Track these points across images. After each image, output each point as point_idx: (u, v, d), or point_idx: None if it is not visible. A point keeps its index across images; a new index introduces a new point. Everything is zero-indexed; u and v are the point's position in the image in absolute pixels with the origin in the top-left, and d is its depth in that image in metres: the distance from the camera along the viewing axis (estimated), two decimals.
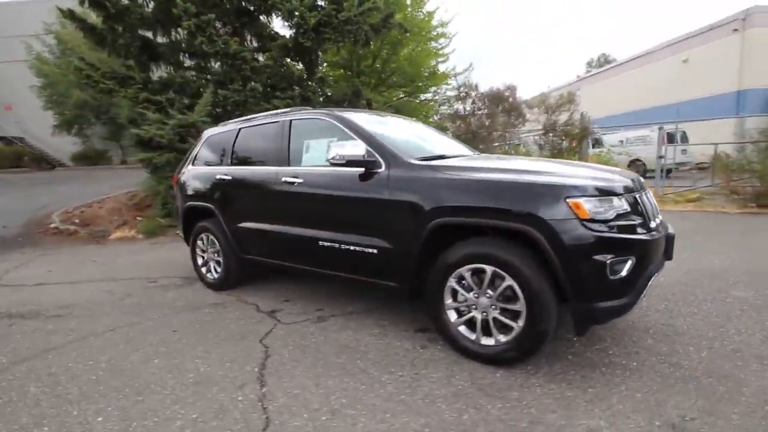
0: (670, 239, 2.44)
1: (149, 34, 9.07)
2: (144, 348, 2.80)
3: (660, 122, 11.66)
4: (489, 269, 2.24)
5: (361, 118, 3.16)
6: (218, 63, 8.40)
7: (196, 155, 4.27)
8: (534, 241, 2.10)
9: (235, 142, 3.82)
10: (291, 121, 3.37)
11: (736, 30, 16.31)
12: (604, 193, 2.12)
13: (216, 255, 3.96)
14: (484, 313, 2.33)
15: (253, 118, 3.88)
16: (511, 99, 11.95)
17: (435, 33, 15.86)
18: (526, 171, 2.32)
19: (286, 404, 2.06)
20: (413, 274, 2.57)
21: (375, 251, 2.70)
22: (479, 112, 12.41)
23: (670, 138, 15.13)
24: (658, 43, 21.48)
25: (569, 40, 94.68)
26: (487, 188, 2.26)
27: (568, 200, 2.06)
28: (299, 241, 3.14)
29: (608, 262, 2.02)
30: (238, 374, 2.38)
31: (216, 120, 8.54)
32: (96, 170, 19.62)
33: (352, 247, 2.81)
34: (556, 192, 2.09)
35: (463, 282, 2.38)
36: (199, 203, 4.01)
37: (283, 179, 3.19)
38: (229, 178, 3.68)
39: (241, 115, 8.51)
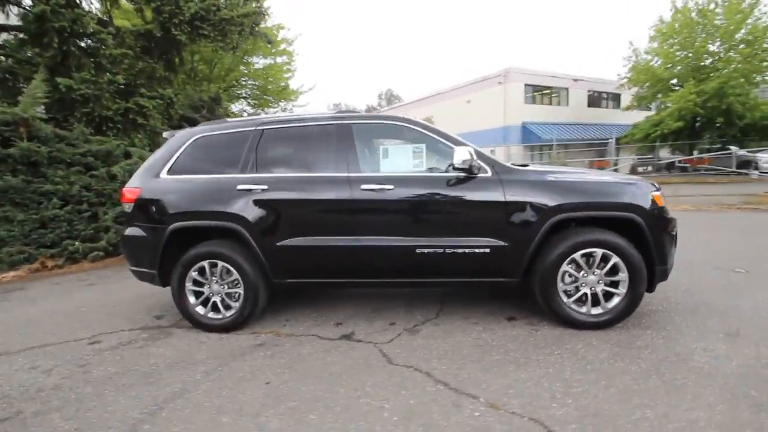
0: None
1: None
2: (247, 409, 2.09)
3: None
4: (599, 251, 2.81)
5: (431, 124, 3.23)
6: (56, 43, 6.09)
7: (174, 161, 3.23)
8: (635, 225, 2.79)
9: (258, 145, 3.14)
10: (352, 124, 3.10)
11: (500, 83, 22.58)
12: (657, 188, 3.02)
13: (230, 286, 3.12)
14: (592, 288, 2.87)
15: (278, 118, 3.28)
16: None
17: (281, 48, 15.64)
18: (613, 175, 3.03)
19: (525, 403, 2.06)
20: (526, 267, 2.89)
21: (488, 250, 2.87)
22: None
23: None
24: (445, 85, 27.32)
25: (359, 74, 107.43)
26: (603, 189, 2.86)
27: (652, 194, 2.85)
28: (388, 252, 2.94)
29: (674, 234, 2.91)
30: (432, 396, 2.15)
31: (52, 118, 6.27)
32: None
33: (460, 250, 2.88)
34: (646, 189, 2.86)
35: (571, 266, 2.87)
36: (204, 222, 3.08)
37: (363, 187, 2.92)
38: (264, 187, 3.01)
39: (92, 112, 6.59)
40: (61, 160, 5.91)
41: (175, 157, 3.24)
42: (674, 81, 20.88)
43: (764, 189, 11.50)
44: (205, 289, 3.15)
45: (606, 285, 2.87)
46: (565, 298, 2.89)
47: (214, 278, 3.13)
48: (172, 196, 3.14)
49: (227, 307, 3.15)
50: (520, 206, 2.83)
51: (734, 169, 16.02)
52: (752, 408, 1.95)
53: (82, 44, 6.07)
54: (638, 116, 23.24)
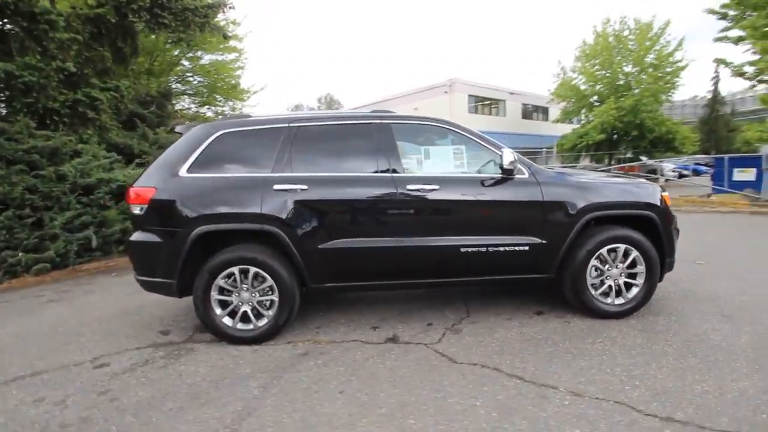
0: None
1: None
2: (337, 421, 2.00)
3: None
4: (622, 247, 3.08)
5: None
6: None
7: (195, 158, 2.93)
8: (649, 222, 3.11)
9: (292, 143, 2.97)
10: (391, 124, 3.07)
11: (446, 92, 23.59)
12: (663, 189, 3.39)
13: (261, 294, 2.90)
14: (615, 281, 3.14)
15: (313, 115, 3.15)
16: None
17: (231, 44, 14.82)
18: (627, 177, 3.33)
19: (602, 389, 2.19)
20: (558, 263, 3.07)
21: (527, 248, 3.01)
22: None
23: None
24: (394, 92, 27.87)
25: (296, 77, 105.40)
26: (626, 189, 3.15)
27: (662, 194, 3.20)
28: (433, 252, 2.95)
29: (678, 229, 3.29)
30: (515, 390, 2.21)
31: None
32: None
33: (502, 248, 2.99)
34: (656, 189, 3.20)
35: (597, 261, 3.10)
36: (235, 225, 2.84)
37: (409, 187, 2.91)
38: (304, 187, 2.86)
39: (35, 103, 5.74)
40: (1, 157, 5.06)
41: (196, 154, 2.95)
42: (595, 98, 23.38)
43: (678, 193, 13.33)
44: (234, 298, 2.90)
45: (626, 277, 3.15)
46: (593, 291, 3.11)
47: (244, 286, 2.89)
48: (196, 197, 2.86)
49: (258, 317, 2.93)
50: (557, 206, 3.01)
51: (657, 176, 18.31)
52: None
53: (25, 24, 5.23)
54: (564, 128, 25.63)
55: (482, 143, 3.11)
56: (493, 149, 3.06)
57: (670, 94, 21.78)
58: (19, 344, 3.13)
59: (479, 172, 3.14)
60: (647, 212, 3.11)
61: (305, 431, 1.93)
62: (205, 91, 14.73)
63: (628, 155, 24.74)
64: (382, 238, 2.93)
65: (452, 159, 3.09)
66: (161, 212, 2.88)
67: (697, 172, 23.29)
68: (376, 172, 2.97)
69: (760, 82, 12.34)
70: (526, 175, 3.05)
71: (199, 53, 14.07)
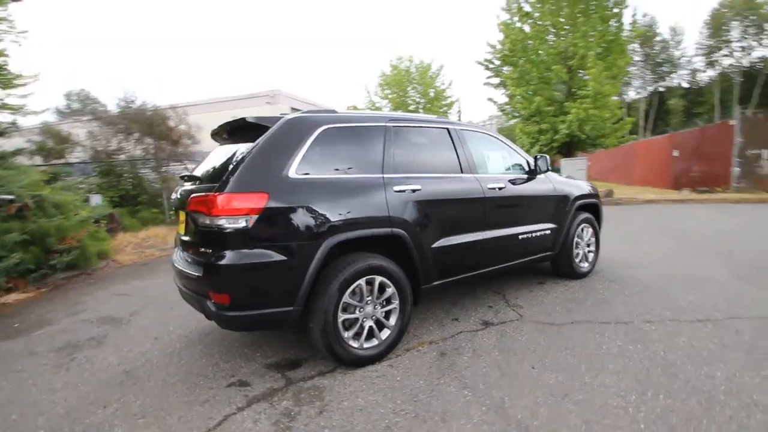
0: None
1: None
2: (562, 388, 2.29)
3: None
4: (588, 226, 4.34)
5: None
6: None
7: (303, 157, 2.41)
8: (595, 207, 4.49)
9: (392, 144, 2.84)
10: (463, 131, 3.37)
11: (268, 102, 22.89)
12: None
13: (383, 305, 2.67)
14: (584, 251, 4.36)
15: (402, 116, 3.06)
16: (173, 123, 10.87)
17: None
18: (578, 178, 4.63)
19: (671, 317, 3.17)
20: (561, 242, 4.06)
21: (549, 232, 3.87)
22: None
23: None
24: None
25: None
26: (584, 185, 4.38)
27: (598, 189, 4.65)
28: (504, 241, 3.41)
29: None
30: (642, 333, 2.92)
31: None
32: None
33: (539, 233, 3.75)
34: (591, 184, 4.62)
35: (577, 238, 4.26)
36: (369, 231, 2.54)
37: (489, 186, 3.27)
38: (418, 188, 2.79)
39: None
40: None
41: (302, 152, 2.45)
42: None
43: None
44: (358, 314, 2.57)
45: (587, 247, 4.43)
46: (576, 260, 4.25)
47: (368, 298, 2.60)
48: (321, 202, 2.40)
49: (382, 327, 2.69)
50: (562, 197, 4.00)
51: None
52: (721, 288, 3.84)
53: None
54: None
55: (516, 150, 3.80)
56: (523, 155, 3.80)
57: None
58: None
59: (507, 172, 3.80)
60: (596, 200, 4.50)
61: (566, 401, 2.11)
62: None
63: None
64: (474, 233, 3.19)
65: (501, 162, 3.65)
66: (281, 223, 2.27)
67: None
68: (460, 172, 3.21)
69: (513, 117, 17.77)
70: (543, 175, 3.91)
71: None
